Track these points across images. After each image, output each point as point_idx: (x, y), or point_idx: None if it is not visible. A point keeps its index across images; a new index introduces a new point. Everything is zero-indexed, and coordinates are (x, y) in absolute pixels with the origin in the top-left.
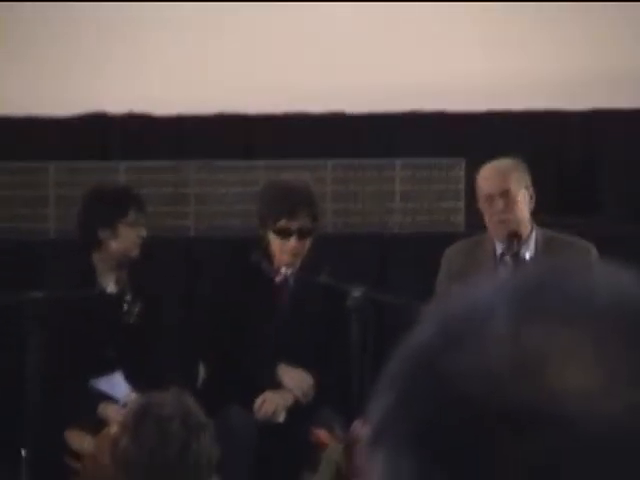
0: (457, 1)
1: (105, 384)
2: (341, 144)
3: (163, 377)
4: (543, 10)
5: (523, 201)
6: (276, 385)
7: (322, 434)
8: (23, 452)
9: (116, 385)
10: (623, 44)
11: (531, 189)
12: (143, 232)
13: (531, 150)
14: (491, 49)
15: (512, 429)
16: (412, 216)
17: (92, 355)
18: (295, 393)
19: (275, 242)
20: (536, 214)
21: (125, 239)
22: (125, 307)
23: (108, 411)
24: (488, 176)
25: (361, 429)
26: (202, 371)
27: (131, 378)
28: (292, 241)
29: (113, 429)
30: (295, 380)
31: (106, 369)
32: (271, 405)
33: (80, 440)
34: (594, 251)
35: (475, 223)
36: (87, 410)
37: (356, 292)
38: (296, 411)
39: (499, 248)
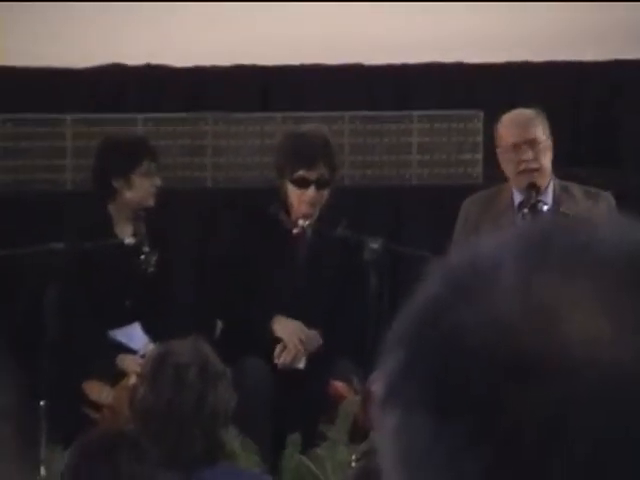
0: None
1: (123, 335)
2: (358, 96)
3: (180, 327)
4: None
5: (549, 151)
6: None
7: (340, 386)
8: (42, 403)
9: (134, 336)
10: None
11: (550, 139)
12: (157, 181)
13: (549, 102)
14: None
15: (522, 379)
16: (429, 168)
17: (110, 306)
18: (287, 344)
19: (293, 193)
20: (554, 166)
21: (139, 189)
22: (142, 258)
23: (126, 362)
24: (512, 125)
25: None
26: (219, 322)
27: (149, 329)
28: (310, 191)
29: (131, 380)
30: (288, 330)
31: (124, 320)
32: (290, 352)
33: (99, 391)
34: (612, 201)
35: (493, 175)
36: (105, 361)
37: (374, 244)
38: (313, 363)
39: (517, 199)
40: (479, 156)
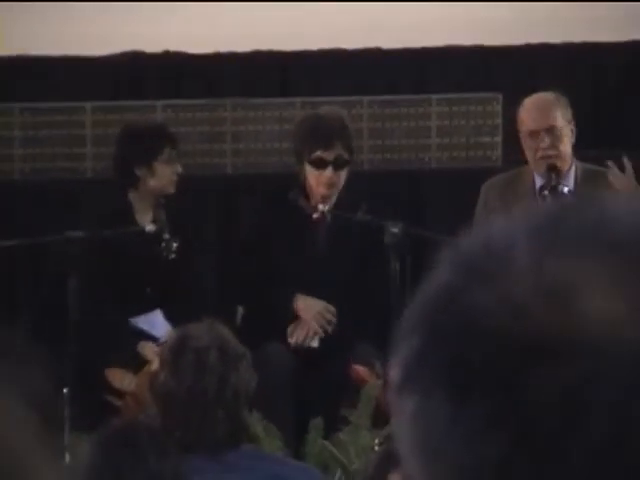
0: None
1: (145, 322)
2: (377, 80)
3: (202, 314)
4: None
5: (567, 137)
6: None
7: (361, 370)
8: (65, 390)
9: (156, 323)
10: None
11: (572, 123)
12: (178, 169)
13: (569, 83)
14: None
15: (540, 360)
16: (449, 152)
17: (131, 294)
18: (311, 326)
19: (311, 174)
20: (574, 148)
21: (161, 176)
22: (163, 245)
23: (147, 349)
24: (532, 111)
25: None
26: (240, 308)
27: (170, 316)
28: (328, 172)
29: (153, 367)
30: (310, 309)
31: (145, 307)
32: (303, 330)
33: (121, 378)
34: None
35: (512, 158)
36: (127, 349)
37: (394, 228)
38: (335, 348)
39: (538, 181)
40: (498, 139)
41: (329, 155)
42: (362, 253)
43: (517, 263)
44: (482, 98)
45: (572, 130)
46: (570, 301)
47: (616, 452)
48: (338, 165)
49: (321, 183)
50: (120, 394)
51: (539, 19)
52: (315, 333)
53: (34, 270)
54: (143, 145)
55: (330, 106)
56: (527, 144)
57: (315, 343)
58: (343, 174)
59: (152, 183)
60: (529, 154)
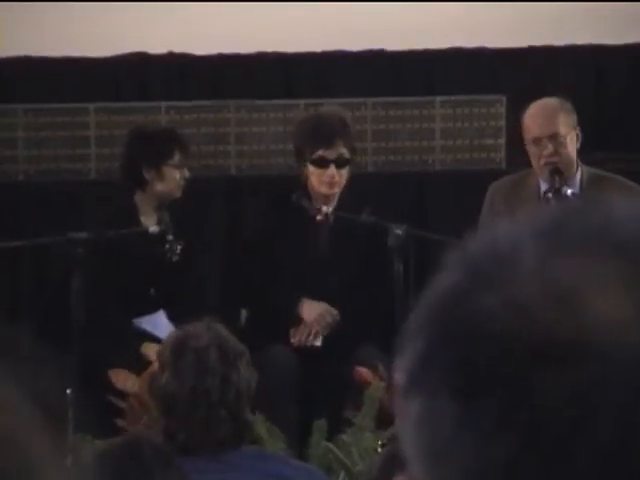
0: None
1: (148, 323)
2: (381, 82)
3: (205, 315)
4: None
5: (571, 143)
6: None
7: (365, 373)
8: (68, 391)
9: (159, 324)
10: None
11: (578, 128)
12: (186, 173)
13: (571, 86)
14: None
15: (547, 363)
16: (453, 154)
17: (135, 295)
18: (314, 327)
19: (313, 173)
20: (579, 152)
21: (170, 180)
22: (167, 246)
23: (151, 350)
24: (535, 118)
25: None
26: (244, 310)
27: (173, 317)
28: (330, 171)
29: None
30: (314, 312)
31: (149, 308)
32: (305, 329)
33: (124, 379)
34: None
35: (516, 160)
36: (130, 350)
37: (398, 230)
38: (338, 349)
39: (543, 185)
40: (502, 141)
41: (331, 154)
42: (366, 255)
43: (523, 266)
44: (486, 100)
45: (577, 135)
46: (576, 304)
47: (623, 455)
48: (340, 164)
49: (323, 182)
50: (123, 395)
51: (543, 22)
52: (317, 333)
53: (38, 271)
54: (153, 148)
55: (331, 106)
56: (531, 151)
57: (318, 342)
58: (345, 173)
59: (160, 187)
60: (533, 160)
